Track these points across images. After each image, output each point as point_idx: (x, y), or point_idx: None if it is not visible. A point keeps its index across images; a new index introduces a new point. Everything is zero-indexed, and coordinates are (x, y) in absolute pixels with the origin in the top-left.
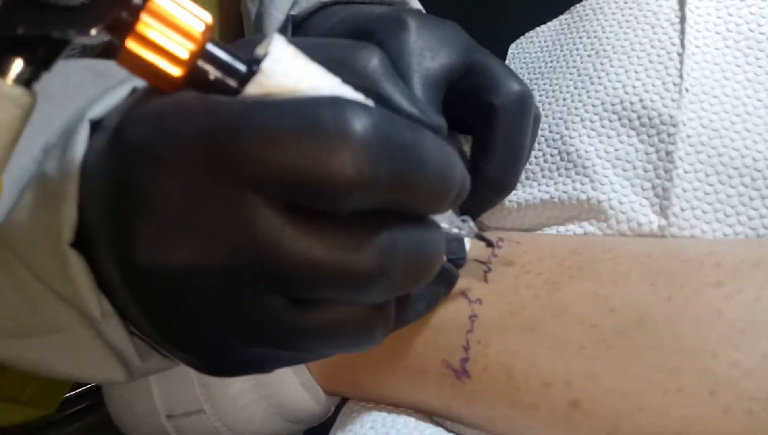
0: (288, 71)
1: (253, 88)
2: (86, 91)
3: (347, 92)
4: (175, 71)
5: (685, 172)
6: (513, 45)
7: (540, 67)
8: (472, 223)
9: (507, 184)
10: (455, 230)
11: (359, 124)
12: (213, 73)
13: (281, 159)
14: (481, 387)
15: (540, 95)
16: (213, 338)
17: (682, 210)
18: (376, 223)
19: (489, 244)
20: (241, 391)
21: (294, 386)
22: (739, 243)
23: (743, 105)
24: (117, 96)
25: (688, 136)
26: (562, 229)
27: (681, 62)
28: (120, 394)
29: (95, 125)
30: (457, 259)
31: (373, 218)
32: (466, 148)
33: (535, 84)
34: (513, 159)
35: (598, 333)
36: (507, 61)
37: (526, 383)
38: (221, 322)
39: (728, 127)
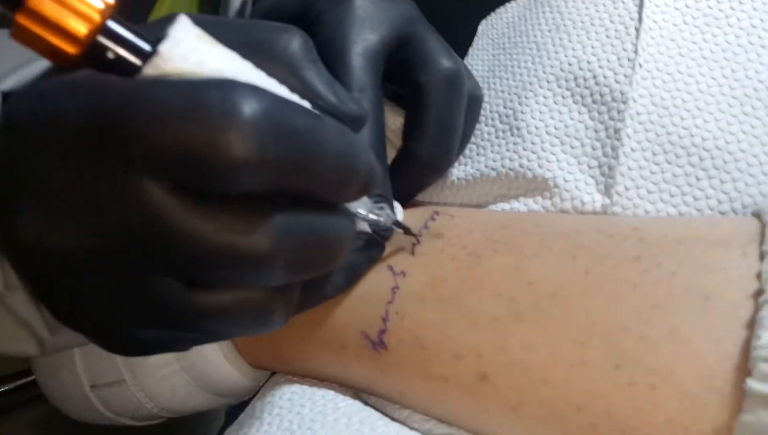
0: (188, 55)
1: (149, 70)
2: (2, 61)
3: (256, 77)
4: (71, 48)
5: (632, 150)
6: (483, 21)
7: (504, 43)
8: (389, 211)
9: (438, 164)
10: (372, 217)
11: (247, 106)
12: (113, 51)
13: (167, 138)
14: (395, 359)
15: (499, 70)
16: (105, 320)
17: (627, 189)
18: (269, 206)
19: (407, 232)
20: (162, 362)
21: (216, 358)
22: (668, 220)
23: (696, 83)
24: (35, 69)
25: (638, 114)
26: (507, 206)
27: (637, 37)
28: (47, 363)
29: (5, 96)
30: (383, 231)
31: (267, 201)
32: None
33: (497, 60)
34: (443, 139)
35: (513, 306)
36: (476, 38)
37: (438, 355)
38: (112, 305)
39: (679, 106)
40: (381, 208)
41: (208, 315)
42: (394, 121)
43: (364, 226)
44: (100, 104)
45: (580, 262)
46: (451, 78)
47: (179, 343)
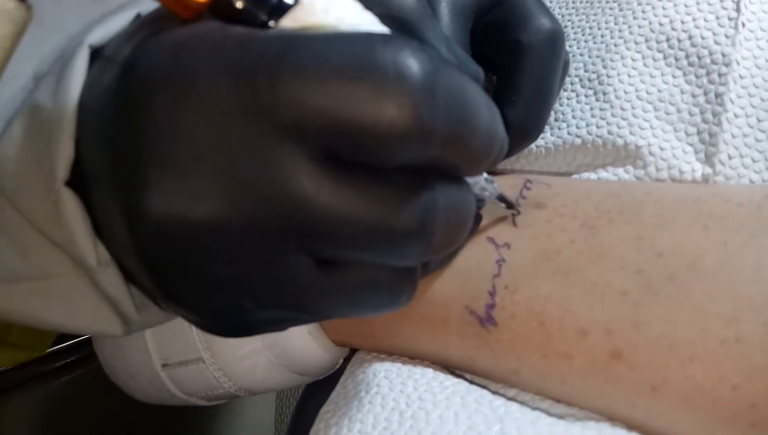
0: (329, 6)
1: (288, 22)
2: (81, 14)
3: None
4: None
5: (736, 116)
6: None
7: (574, 2)
8: (496, 184)
9: (531, 131)
10: (478, 191)
11: (420, 66)
12: (240, 1)
13: (327, 102)
14: (508, 336)
15: (575, 32)
16: (224, 301)
17: (730, 157)
18: (419, 180)
19: (510, 206)
20: (245, 340)
21: (300, 335)
22: None
23: None
24: (119, 21)
25: (741, 77)
26: (594, 176)
27: None
28: (112, 340)
29: (94, 53)
30: (478, 201)
31: (417, 175)
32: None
33: (569, 20)
34: (539, 104)
35: (643, 278)
36: None
37: (560, 331)
38: (237, 283)
39: None
40: (489, 182)
41: (340, 296)
42: None
43: None
44: (248, 59)
45: (715, 233)
46: (552, 39)
47: (288, 323)
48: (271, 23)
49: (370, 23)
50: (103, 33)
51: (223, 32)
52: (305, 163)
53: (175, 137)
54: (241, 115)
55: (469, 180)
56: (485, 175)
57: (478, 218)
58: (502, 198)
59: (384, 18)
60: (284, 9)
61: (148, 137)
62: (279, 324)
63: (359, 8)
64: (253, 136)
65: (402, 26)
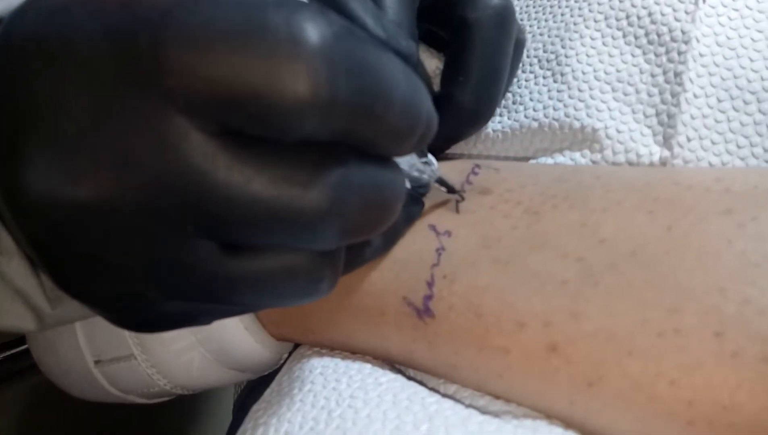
0: None
1: None
2: None
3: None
4: None
5: (695, 96)
6: None
7: None
8: (435, 166)
9: (481, 114)
10: (415, 174)
11: (316, 30)
12: None
13: (216, 70)
14: (445, 328)
15: (536, 11)
16: (123, 291)
17: (689, 140)
18: (329, 156)
19: (451, 190)
20: (176, 335)
21: (236, 330)
22: (752, 170)
23: (767, 19)
24: None
25: (701, 55)
26: (550, 160)
27: None
28: (44, 335)
29: None
30: (421, 187)
31: (327, 151)
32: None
33: None
34: (488, 84)
35: (584, 267)
36: None
37: (497, 323)
38: (133, 272)
39: (748, 46)
40: (426, 164)
41: (250, 284)
42: (429, 63)
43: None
44: (130, 21)
45: (660, 217)
46: (501, 16)
47: (204, 317)
48: None
49: None
50: (4, 4)
51: None
52: (197, 136)
53: (53, 110)
54: (124, 84)
55: (405, 162)
56: (429, 157)
57: (418, 204)
58: (442, 181)
59: None
60: None
61: (25, 111)
62: (195, 317)
63: None
64: (138, 108)
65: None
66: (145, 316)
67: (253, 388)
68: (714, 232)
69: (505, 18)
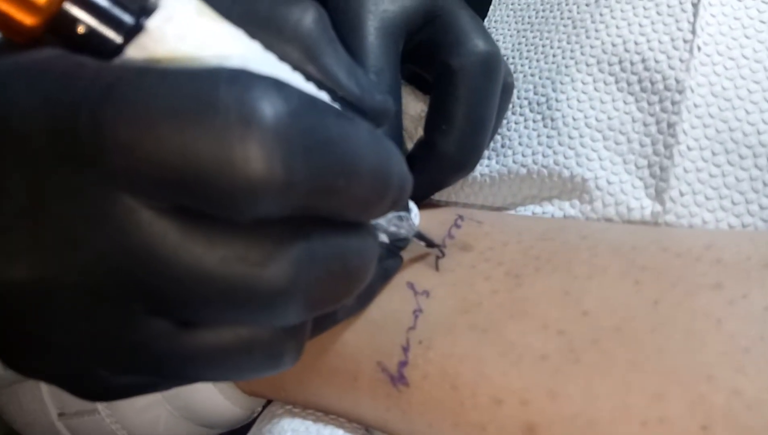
0: (185, 34)
1: (134, 52)
2: None
3: (268, 65)
4: (29, 18)
5: (689, 148)
6: None
7: (530, 17)
8: (412, 221)
9: (464, 163)
10: (393, 229)
11: (270, 108)
12: (85, 23)
13: (161, 150)
14: (420, 398)
15: (528, 50)
16: (74, 368)
17: (682, 194)
18: (288, 230)
19: (430, 245)
20: None
21: (204, 387)
22: (745, 236)
23: (765, 70)
24: None
25: (696, 106)
26: (539, 209)
27: (695, 14)
28: (7, 385)
29: None
30: (399, 240)
31: (286, 225)
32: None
33: (523, 36)
34: (473, 134)
35: (565, 341)
36: (493, 7)
37: (473, 397)
38: (82, 351)
39: (744, 97)
40: (401, 219)
41: (205, 359)
42: (414, 106)
43: (381, 237)
44: (71, 97)
45: (646, 290)
46: (487, 63)
47: (163, 386)
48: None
49: (244, 53)
50: None
51: (51, 62)
52: (144, 214)
53: None
54: (63, 162)
55: (380, 219)
56: (411, 205)
57: (396, 259)
58: (420, 236)
59: (273, 42)
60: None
61: None
62: (153, 386)
63: (235, 35)
64: (79, 187)
65: (296, 52)
66: (99, 388)
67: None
68: (702, 310)
69: (490, 65)
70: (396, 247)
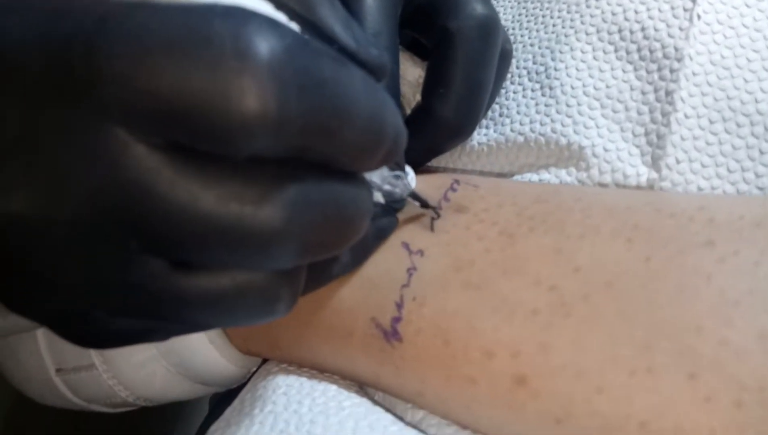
0: None
1: None
2: None
3: (262, 8)
4: None
5: (686, 116)
6: None
7: None
8: (407, 180)
9: (461, 128)
10: (387, 187)
11: (265, 43)
12: None
13: (155, 81)
14: (412, 353)
15: (528, 21)
16: (68, 309)
17: (678, 162)
18: (284, 172)
19: (425, 205)
20: (138, 347)
21: (200, 343)
22: (738, 198)
23: (764, 39)
24: None
25: (694, 74)
26: (535, 177)
27: None
28: (6, 342)
29: None
30: (395, 202)
31: (280, 167)
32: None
33: (524, 7)
34: (470, 98)
35: (556, 296)
36: None
37: (465, 351)
38: (77, 290)
39: (743, 66)
40: (397, 178)
41: (200, 303)
42: (412, 72)
43: (377, 196)
44: (65, 30)
45: (638, 247)
46: (484, 26)
47: (158, 334)
48: None
49: None
50: None
51: None
52: (139, 149)
53: None
54: (57, 95)
55: (376, 175)
56: (407, 169)
57: (391, 219)
58: (415, 196)
59: None
60: None
61: None
62: (148, 334)
63: None
64: (73, 120)
65: (293, 2)
66: (94, 333)
67: (218, 403)
68: (693, 266)
69: (488, 29)
70: (392, 208)
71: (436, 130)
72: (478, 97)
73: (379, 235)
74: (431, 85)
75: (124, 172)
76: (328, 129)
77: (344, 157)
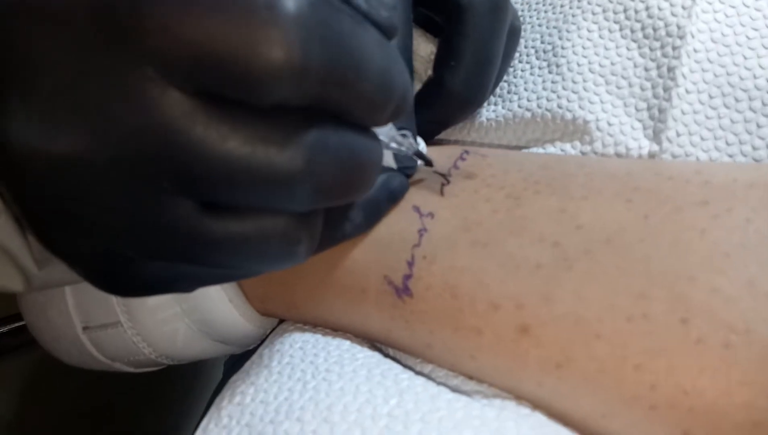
0: None
1: None
2: None
3: None
4: None
5: (687, 91)
6: None
7: None
8: (412, 139)
9: (471, 99)
10: (394, 145)
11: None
12: None
13: (192, 32)
14: (422, 307)
15: (537, 2)
16: (104, 249)
17: (678, 135)
18: (305, 119)
19: (428, 163)
20: (162, 304)
21: (220, 302)
22: (733, 164)
23: (764, 18)
24: None
25: (696, 51)
26: (541, 150)
27: None
28: (35, 299)
29: None
30: (407, 168)
31: (302, 114)
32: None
33: None
34: (479, 70)
35: (560, 251)
36: None
37: (472, 304)
38: (113, 229)
39: (742, 43)
40: (404, 136)
41: (228, 244)
42: (424, 48)
43: (389, 161)
44: None
45: (637, 206)
46: (494, 2)
47: (185, 282)
48: None
49: None
50: None
51: None
52: (174, 94)
53: (33, 66)
54: (102, 42)
55: (383, 133)
56: (420, 144)
57: (403, 184)
58: (420, 155)
59: None
60: None
61: (7, 67)
62: (175, 281)
63: None
64: (116, 65)
65: None
66: (125, 278)
67: (235, 363)
68: (688, 222)
69: (498, 3)
70: (404, 173)
71: (446, 101)
72: (486, 69)
73: (391, 198)
74: (442, 58)
75: (161, 115)
76: (345, 80)
77: (358, 109)
